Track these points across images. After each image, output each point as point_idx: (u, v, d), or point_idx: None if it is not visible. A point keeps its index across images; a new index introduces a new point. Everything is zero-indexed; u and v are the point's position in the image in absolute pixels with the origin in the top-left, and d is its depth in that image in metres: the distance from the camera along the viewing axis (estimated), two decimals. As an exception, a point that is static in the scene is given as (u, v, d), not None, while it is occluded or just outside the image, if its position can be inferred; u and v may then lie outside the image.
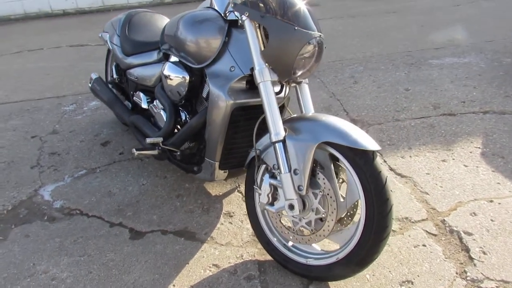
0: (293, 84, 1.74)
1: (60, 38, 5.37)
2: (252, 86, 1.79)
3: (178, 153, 2.00)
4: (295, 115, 1.67)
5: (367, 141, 1.46)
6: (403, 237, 1.84)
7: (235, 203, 2.14)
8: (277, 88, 1.79)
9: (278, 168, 1.55)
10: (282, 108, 1.82)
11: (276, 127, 1.55)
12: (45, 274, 1.78)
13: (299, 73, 1.61)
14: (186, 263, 1.79)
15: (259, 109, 1.71)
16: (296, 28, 1.52)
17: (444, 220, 1.92)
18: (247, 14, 1.56)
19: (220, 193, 2.22)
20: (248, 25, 1.58)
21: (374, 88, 3.28)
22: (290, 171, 1.53)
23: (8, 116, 3.28)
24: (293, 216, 1.59)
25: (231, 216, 2.05)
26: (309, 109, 1.75)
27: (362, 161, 1.46)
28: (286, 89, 1.77)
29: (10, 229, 2.06)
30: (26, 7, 6.46)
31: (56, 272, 1.78)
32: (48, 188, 2.36)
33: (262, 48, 1.57)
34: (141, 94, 2.33)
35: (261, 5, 1.57)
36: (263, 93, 1.57)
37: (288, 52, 1.53)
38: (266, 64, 1.57)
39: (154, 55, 2.25)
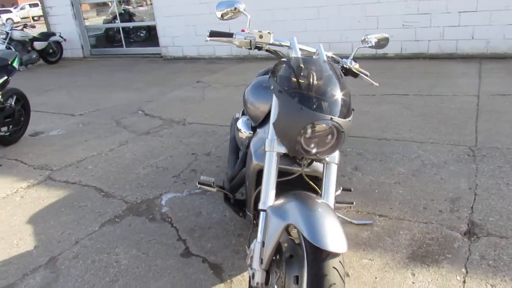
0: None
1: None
2: (284, 154, 1.84)
3: (231, 196, 2.22)
4: (300, 191, 1.64)
5: (329, 238, 1.36)
6: None
7: (275, 261, 2.18)
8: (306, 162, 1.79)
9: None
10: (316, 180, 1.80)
11: (266, 196, 1.61)
12: (115, 256, 2.34)
13: (313, 151, 1.60)
14: (195, 293, 2.00)
15: (285, 176, 1.77)
16: (302, 108, 1.54)
17: None
18: (272, 87, 1.68)
19: (271, 247, 2.30)
20: (273, 97, 1.70)
21: (538, 193, 2.55)
22: (261, 241, 1.55)
23: (192, 134, 4.19)
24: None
25: (261, 271, 2.12)
26: (327, 192, 1.69)
27: (313, 256, 1.36)
28: (306, 164, 1.74)
29: (131, 216, 2.75)
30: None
31: (121, 258, 2.32)
32: (168, 196, 2.98)
33: (278, 121, 1.65)
34: (245, 139, 2.66)
35: (291, 79, 1.65)
36: (266, 162, 1.65)
37: (291, 129, 1.57)
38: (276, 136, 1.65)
39: None
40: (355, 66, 2.07)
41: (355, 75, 2.06)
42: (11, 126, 4.31)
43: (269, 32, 1.91)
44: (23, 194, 3.20)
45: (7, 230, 2.69)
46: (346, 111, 1.62)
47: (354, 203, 2.37)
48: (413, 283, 1.94)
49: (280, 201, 1.58)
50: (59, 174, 3.50)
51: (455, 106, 4.28)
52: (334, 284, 1.32)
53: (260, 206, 1.60)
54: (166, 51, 8.93)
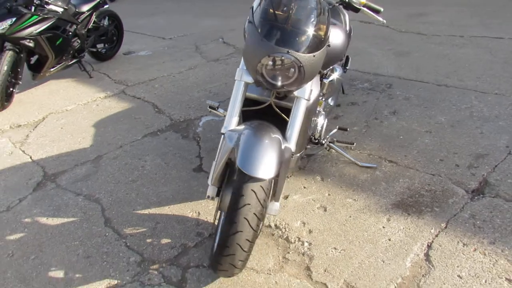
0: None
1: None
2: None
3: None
4: (262, 122, 1.72)
5: (255, 165, 1.47)
6: None
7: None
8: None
9: None
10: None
11: (228, 121, 1.74)
12: (143, 162, 2.73)
13: (278, 84, 1.64)
14: (189, 201, 2.30)
15: (258, 104, 1.85)
16: (262, 39, 1.58)
17: None
18: (248, 18, 1.73)
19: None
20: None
21: None
22: (216, 160, 1.72)
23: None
24: None
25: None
26: (292, 125, 1.74)
27: (238, 178, 1.49)
28: (274, 95, 1.79)
29: (170, 132, 3.11)
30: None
31: (147, 164, 2.70)
32: (207, 118, 3.25)
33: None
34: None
35: (267, 10, 1.67)
36: (234, 90, 1.76)
37: (252, 59, 1.64)
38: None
39: None
40: (361, 0, 1.95)
41: (355, 10, 1.95)
42: (106, 44, 4.94)
43: None
44: (98, 103, 3.78)
45: (77, 129, 3.28)
46: (314, 46, 1.61)
47: (355, 143, 2.35)
48: (383, 227, 1.94)
49: (239, 127, 1.70)
50: (131, 90, 4.00)
51: (553, 55, 3.63)
52: (249, 204, 1.45)
53: (222, 130, 1.75)
54: (267, -21, 8.81)
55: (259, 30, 1.61)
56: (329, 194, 2.21)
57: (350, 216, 2.04)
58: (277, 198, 1.71)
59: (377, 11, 2.00)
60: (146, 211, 2.25)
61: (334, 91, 2.33)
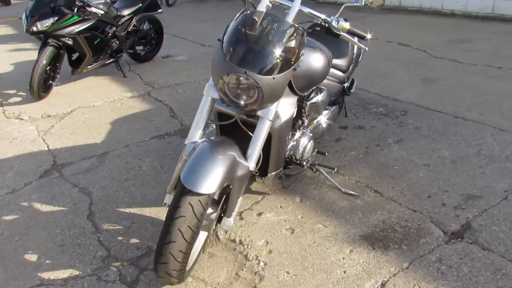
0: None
1: (401, 34, 5.69)
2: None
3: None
4: (223, 137, 1.76)
5: (196, 179, 1.53)
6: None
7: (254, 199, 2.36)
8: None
9: None
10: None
11: (191, 133, 1.81)
12: (142, 163, 2.86)
13: (241, 102, 1.68)
14: (169, 205, 2.37)
15: (230, 118, 1.89)
16: (224, 58, 1.63)
17: None
18: (221, 36, 1.78)
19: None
20: (220, 44, 1.80)
21: None
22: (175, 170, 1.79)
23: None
24: None
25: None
26: (253, 144, 1.77)
27: (178, 190, 1.54)
28: (240, 112, 1.81)
29: (176, 136, 3.23)
30: (422, 1, 6.98)
31: (145, 165, 2.82)
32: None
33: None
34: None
35: (236, 30, 1.72)
36: (201, 104, 1.82)
37: (215, 76, 1.69)
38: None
39: None
40: (343, 25, 1.92)
41: (336, 35, 1.92)
42: (147, 47, 5.21)
43: None
44: (123, 102, 3.99)
45: (95, 125, 3.49)
46: (275, 69, 1.63)
47: (336, 169, 2.30)
48: (343, 258, 1.89)
49: (199, 140, 1.76)
50: (155, 92, 4.19)
51: None
52: (184, 216, 1.50)
53: (185, 141, 1.81)
54: (320, -7, 8.82)
55: (224, 49, 1.66)
56: (302, 217, 2.19)
57: (314, 242, 2.01)
58: (229, 214, 1.74)
59: (361, 37, 1.96)
60: (127, 210, 2.36)
61: (317, 113, 2.30)
